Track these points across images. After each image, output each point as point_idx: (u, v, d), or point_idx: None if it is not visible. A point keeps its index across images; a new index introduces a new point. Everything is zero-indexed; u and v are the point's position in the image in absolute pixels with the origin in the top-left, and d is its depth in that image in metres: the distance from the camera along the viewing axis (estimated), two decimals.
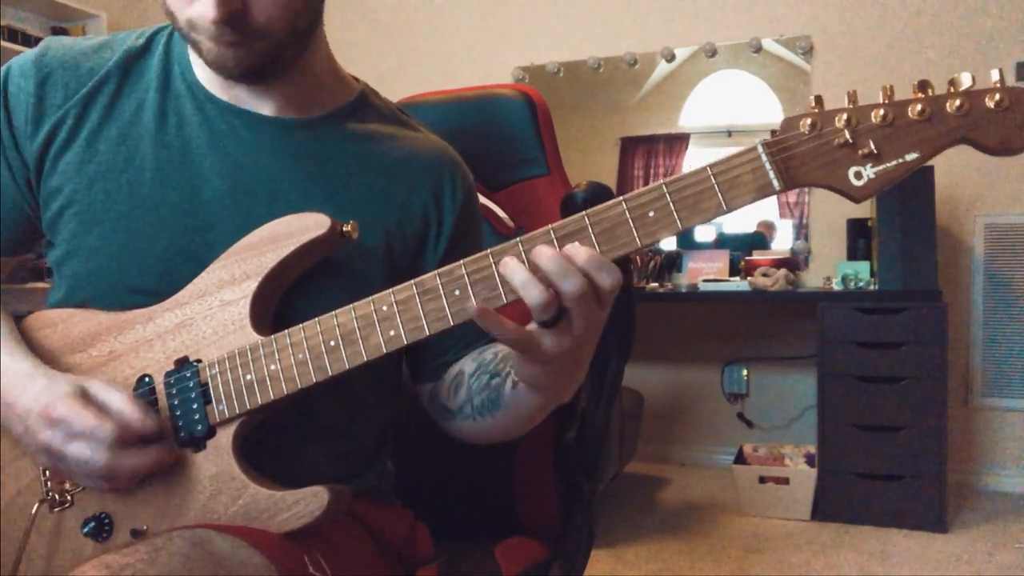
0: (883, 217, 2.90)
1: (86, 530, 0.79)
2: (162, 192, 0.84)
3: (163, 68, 0.89)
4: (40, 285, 3.30)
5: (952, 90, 0.63)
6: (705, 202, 0.66)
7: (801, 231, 3.54)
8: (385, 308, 0.73)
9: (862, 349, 2.84)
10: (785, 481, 2.95)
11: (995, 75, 0.62)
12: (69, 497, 0.80)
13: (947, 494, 2.80)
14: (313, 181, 0.87)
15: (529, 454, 1.12)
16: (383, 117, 0.96)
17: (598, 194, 1.03)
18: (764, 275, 3.20)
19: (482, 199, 1.13)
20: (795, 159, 0.65)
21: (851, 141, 0.64)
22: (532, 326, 0.68)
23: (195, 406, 0.78)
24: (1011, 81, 3.10)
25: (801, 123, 0.65)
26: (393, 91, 1.11)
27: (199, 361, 0.79)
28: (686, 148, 3.72)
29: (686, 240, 3.69)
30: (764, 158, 0.65)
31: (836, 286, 3.16)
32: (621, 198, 0.67)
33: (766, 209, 3.59)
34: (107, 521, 0.79)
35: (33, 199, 0.88)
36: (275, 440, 0.83)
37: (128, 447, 0.74)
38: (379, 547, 0.91)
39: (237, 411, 0.77)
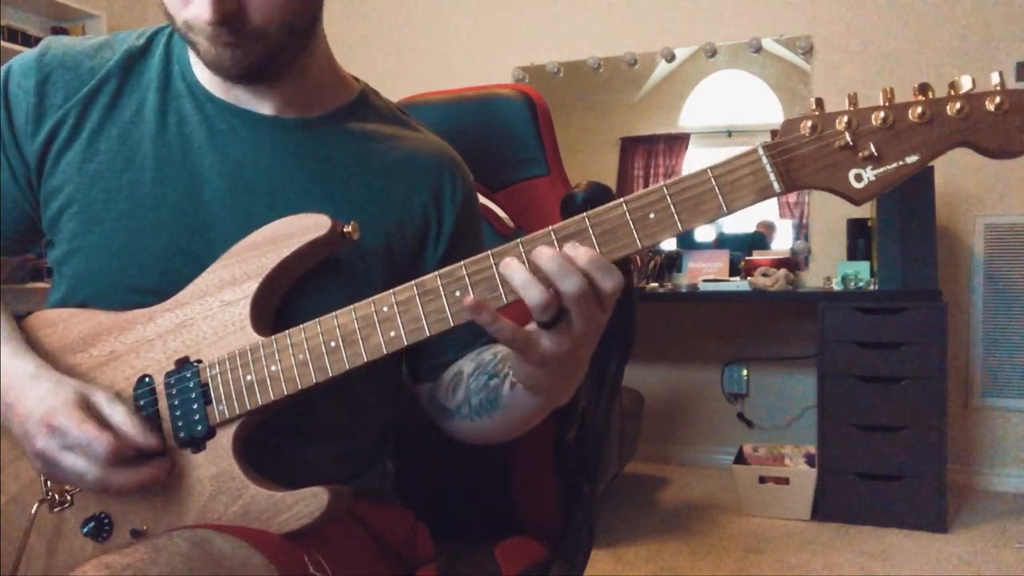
0: (883, 217, 2.90)
1: (86, 530, 0.79)
2: (162, 192, 0.84)
3: (163, 68, 0.89)
4: (40, 285, 3.30)
5: (952, 93, 0.63)
6: (706, 204, 0.66)
7: (801, 231, 3.54)
8: (386, 309, 0.73)
9: (862, 349, 2.84)
10: (785, 481, 2.95)
11: (995, 78, 0.62)
12: (69, 497, 0.80)
13: (947, 494, 2.81)
14: (313, 181, 0.87)
15: (529, 454, 1.12)
16: (383, 117, 0.96)
17: (598, 194, 1.03)
18: (764, 275, 3.20)
19: (482, 199, 1.13)
20: (796, 161, 0.65)
21: (851, 143, 0.64)
22: (531, 326, 0.68)
23: (195, 406, 0.78)
24: (1011, 81, 3.11)
25: (802, 125, 0.65)
26: (393, 91, 1.11)
27: (199, 361, 0.79)
28: (686, 148, 3.72)
29: (686, 240, 3.69)
30: (765, 160, 0.65)
31: (836, 286, 3.16)
32: (622, 200, 0.67)
33: (766, 209, 3.59)
34: (107, 521, 0.79)
35: (34, 198, 0.88)
36: (275, 441, 0.84)
37: (122, 463, 0.74)
38: (379, 547, 0.91)
39: (237, 411, 0.77)
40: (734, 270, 3.49)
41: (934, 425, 2.76)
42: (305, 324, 0.76)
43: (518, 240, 0.69)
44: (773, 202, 3.56)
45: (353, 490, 0.81)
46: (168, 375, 0.79)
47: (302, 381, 0.75)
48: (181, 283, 0.82)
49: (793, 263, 3.40)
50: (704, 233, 3.73)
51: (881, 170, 0.64)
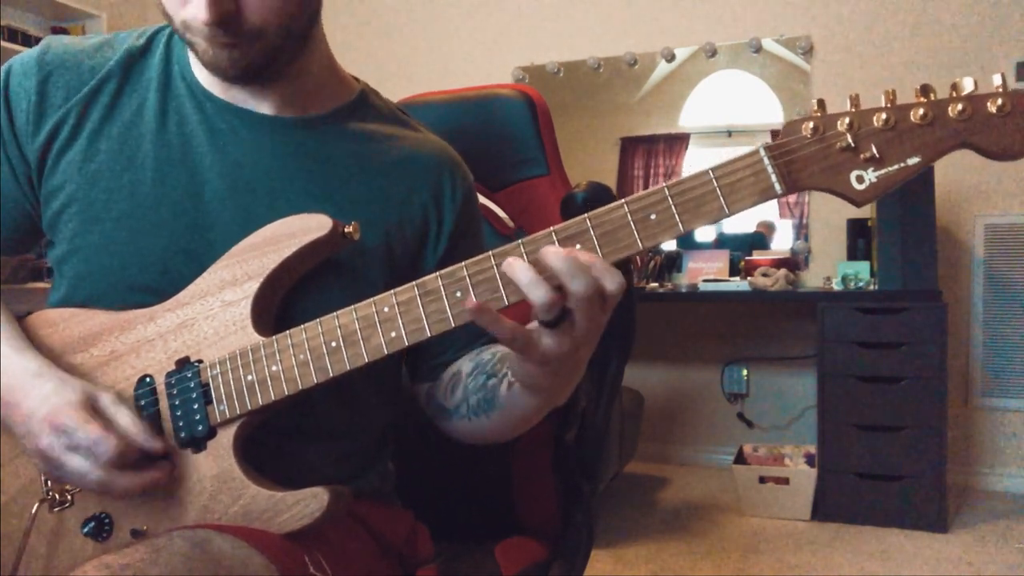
0: (883, 217, 2.90)
1: (86, 530, 0.79)
2: (163, 191, 0.84)
3: (163, 67, 0.89)
4: (40, 285, 3.30)
5: (954, 94, 0.63)
6: (707, 205, 0.66)
7: (801, 231, 3.54)
8: (387, 309, 0.73)
9: (862, 349, 2.84)
10: (785, 481, 2.95)
11: (997, 79, 0.62)
12: (69, 497, 0.80)
13: (947, 494, 2.81)
14: (313, 180, 0.87)
15: (529, 454, 1.12)
16: (383, 117, 0.96)
17: (598, 194, 1.03)
18: (764, 275, 3.20)
19: (482, 199, 1.13)
20: (797, 163, 0.65)
21: (853, 145, 0.64)
22: (532, 325, 0.68)
23: (196, 406, 0.78)
24: (1011, 81, 3.10)
25: (803, 127, 0.65)
26: (393, 91, 1.11)
27: (200, 361, 0.79)
28: (686, 148, 3.72)
29: (686, 240, 3.68)
30: (766, 161, 0.65)
31: (836, 286, 3.16)
32: (623, 201, 0.67)
33: (766, 209, 3.59)
34: (107, 521, 0.79)
35: (34, 198, 0.88)
36: (276, 441, 0.84)
37: (126, 467, 0.74)
38: (380, 548, 0.91)
39: (238, 411, 0.77)
40: (734, 270, 3.49)
41: (934, 425, 2.76)
42: (306, 324, 0.76)
43: (519, 241, 0.69)
44: (773, 202, 3.53)
45: (354, 490, 0.81)
46: (169, 375, 0.79)
47: (303, 381, 0.75)
48: (181, 282, 0.82)
49: (793, 263, 3.40)
50: (704, 233, 3.73)
51: (882, 172, 0.64)
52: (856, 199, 0.65)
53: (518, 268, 0.66)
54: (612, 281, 0.65)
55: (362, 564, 0.85)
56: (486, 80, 2.69)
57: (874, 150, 0.63)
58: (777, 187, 0.65)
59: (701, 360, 3.68)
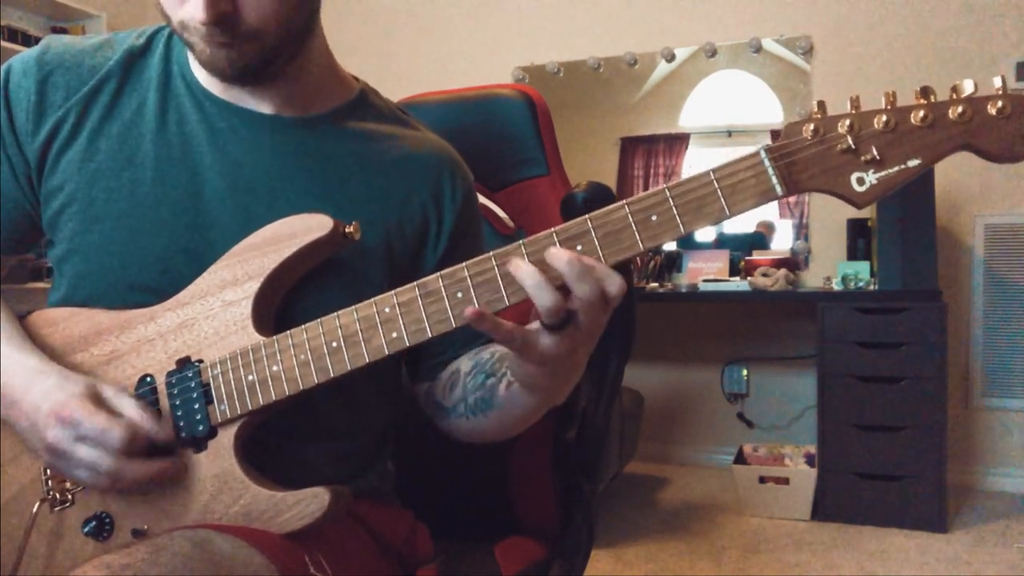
0: (883, 217, 2.90)
1: (87, 530, 0.79)
2: (163, 190, 0.84)
3: (163, 67, 0.89)
4: (40, 285, 3.30)
5: (954, 96, 0.63)
6: (708, 206, 0.66)
7: (801, 231, 3.54)
8: (387, 310, 0.73)
9: (862, 349, 2.84)
10: (785, 481, 2.95)
11: (997, 82, 0.62)
12: (70, 496, 0.80)
13: (947, 494, 2.81)
14: (313, 180, 0.87)
15: (528, 454, 1.12)
16: (383, 116, 0.96)
17: (598, 194, 1.03)
18: (764, 275, 3.20)
19: (482, 199, 1.13)
20: (798, 164, 0.65)
21: (854, 147, 0.64)
22: (532, 326, 0.68)
23: (197, 406, 0.78)
24: (1012, 81, 3.10)
25: (804, 128, 0.65)
26: (393, 91, 1.11)
27: (201, 361, 0.79)
28: (686, 148, 3.72)
29: (686, 240, 3.68)
30: (767, 163, 0.65)
31: (836, 286, 3.16)
32: (624, 202, 0.68)
33: (766, 209, 3.56)
34: (108, 521, 0.79)
35: (34, 197, 0.88)
36: (276, 440, 0.84)
37: (135, 455, 0.74)
38: (379, 547, 0.91)
39: (239, 411, 0.77)
40: (734, 270, 3.49)
41: (934, 425, 2.76)
42: (307, 324, 0.76)
43: (520, 242, 0.69)
44: (773, 202, 3.54)
45: (353, 490, 0.81)
46: (169, 375, 0.79)
47: (303, 381, 0.75)
48: (181, 282, 0.82)
49: (793, 263, 3.40)
50: (704, 233, 3.73)
51: (883, 173, 0.64)
52: (857, 201, 0.65)
53: (524, 271, 0.66)
54: (614, 284, 0.66)
55: (362, 564, 0.85)
56: (486, 80, 2.69)
57: (874, 152, 0.63)
58: (778, 189, 0.65)
59: (701, 360, 3.68)
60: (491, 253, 0.70)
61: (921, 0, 3.31)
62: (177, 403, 0.78)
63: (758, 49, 3.54)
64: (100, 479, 0.74)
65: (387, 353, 0.73)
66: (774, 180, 0.65)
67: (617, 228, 0.67)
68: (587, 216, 0.68)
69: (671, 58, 3.69)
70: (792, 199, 3.53)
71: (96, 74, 0.87)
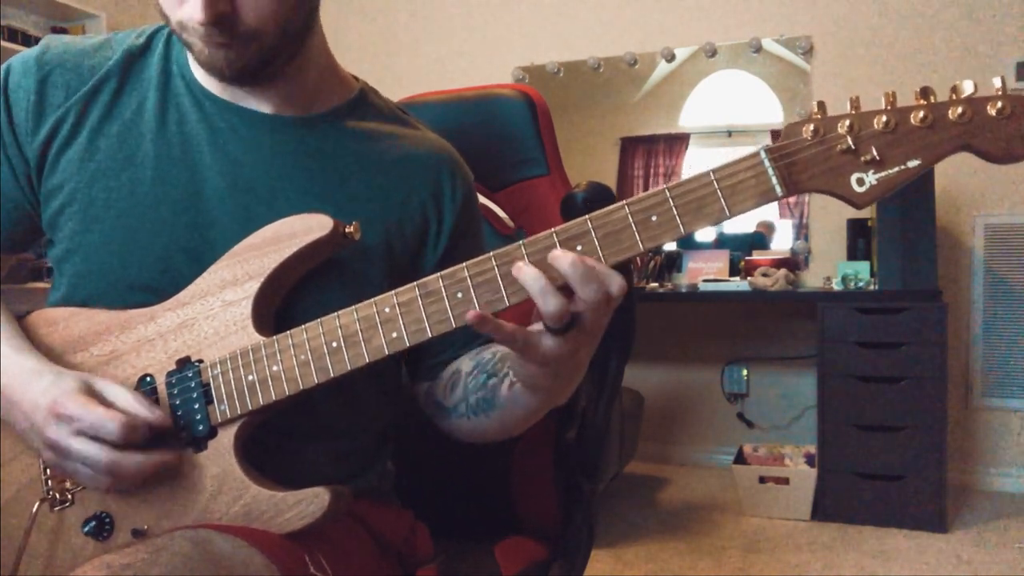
0: (883, 217, 2.90)
1: (87, 529, 0.79)
2: (163, 190, 0.84)
3: (163, 67, 0.89)
4: (40, 285, 3.30)
5: (954, 97, 0.63)
6: (708, 207, 0.66)
7: (801, 231, 3.54)
8: (387, 310, 0.73)
9: (862, 349, 2.84)
10: (785, 481, 2.95)
11: (997, 82, 0.62)
12: (70, 496, 0.80)
13: (947, 494, 2.81)
14: (312, 179, 0.87)
15: (529, 454, 1.12)
16: (382, 115, 0.96)
17: (598, 194, 1.03)
18: (764, 275, 3.20)
19: (482, 199, 1.13)
20: (797, 165, 0.65)
21: (853, 147, 0.64)
22: (535, 327, 0.68)
23: (197, 406, 0.78)
24: (1012, 81, 3.10)
25: (804, 129, 0.65)
26: (393, 91, 1.11)
27: (201, 361, 0.79)
28: (686, 148, 3.72)
29: (686, 240, 3.68)
30: (767, 163, 0.65)
31: (836, 286, 3.16)
32: (624, 202, 0.68)
33: (766, 209, 3.55)
34: (108, 520, 0.79)
35: (34, 197, 0.88)
36: (276, 440, 0.84)
37: (134, 446, 0.74)
38: (379, 547, 0.91)
39: (239, 411, 0.77)
40: (734, 270, 3.49)
41: (934, 425, 2.76)
42: (307, 324, 0.76)
43: (521, 242, 0.69)
44: (773, 202, 3.55)
45: (353, 490, 0.81)
46: (169, 375, 0.79)
47: (304, 381, 0.75)
48: (181, 281, 0.82)
49: (793, 263, 3.40)
50: (704, 233, 3.72)
51: (883, 174, 0.64)
52: (856, 201, 0.65)
53: (528, 275, 0.66)
54: (615, 284, 0.66)
55: (362, 564, 0.85)
56: (486, 80, 2.69)
57: (874, 152, 0.63)
58: (778, 189, 0.65)
59: (701, 360, 3.68)
60: (491, 253, 0.70)
61: (921, 0, 3.31)
62: (177, 403, 0.78)
63: (758, 49, 3.54)
64: (100, 474, 0.74)
65: (387, 353, 0.73)
66: (774, 180, 0.65)
67: (617, 228, 0.67)
68: (587, 216, 0.68)
69: (671, 58, 3.69)
70: (792, 199, 3.53)
71: (96, 74, 0.87)
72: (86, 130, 0.86)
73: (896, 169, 0.63)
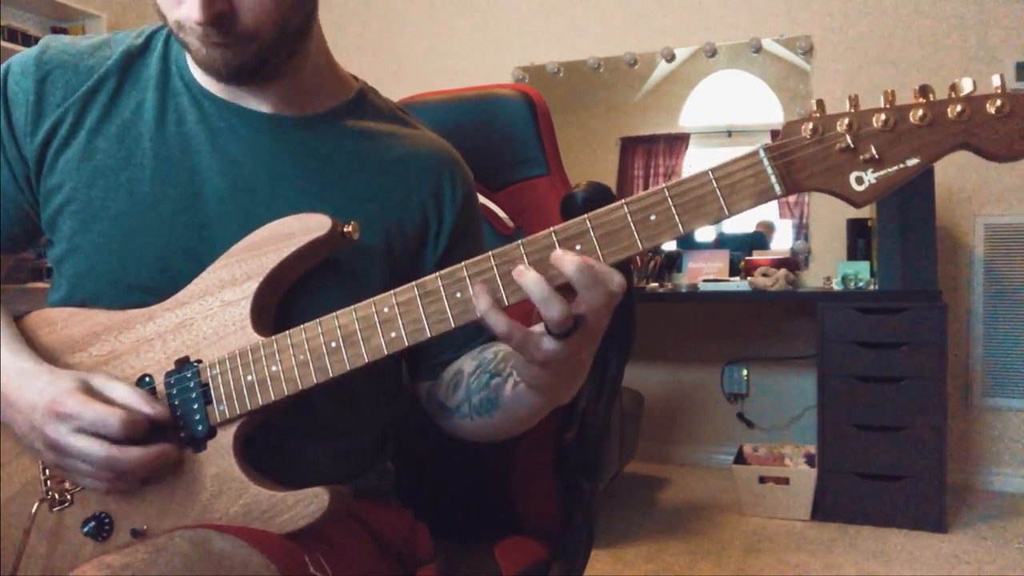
0: (883, 217, 2.90)
1: (86, 530, 0.79)
2: (162, 189, 0.84)
3: (162, 67, 0.89)
4: (40, 285, 3.30)
5: (953, 95, 0.63)
6: (707, 206, 0.66)
7: (801, 231, 3.54)
8: (386, 310, 0.73)
9: (862, 349, 2.84)
10: (785, 481, 2.95)
11: (996, 80, 0.62)
12: (69, 496, 0.80)
13: (947, 494, 2.81)
14: (312, 179, 0.87)
15: (529, 454, 1.12)
16: (382, 115, 0.96)
17: (598, 194, 1.02)
18: (764, 275, 3.20)
19: (482, 199, 1.13)
20: (797, 164, 0.65)
21: (852, 146, 0.64)
22: (537, 327, 0.68)
23: (196, 406, 0.78)
24: (1011, 82, 3.10)
25: (803, 127, 0.65)
26: (393, 91, 1.11)
27: (200, 361, 0.79)
28: (686, 148, 3.72)
29: (686, 240, 3.68)
30: (766, 163, 0.65)
31: (836, 286, 3.16)
32: (623, 201, 0.67)
33: (766, 209, 3.59)
34: (107, 521, 0.79)
35: (32, 197, 0.88)
36: (275, 440, 0.84)
37: (136, 440, 0.74)
38: (379, 547, 0.91)
39: (238, 411, 0.77)
40: (734, 270, 3.49)
41: (934, 425, 2.76)
42: (306, 324, 0.76)
43: (520, 242, 0.69)
44: (773, 202, 3.54)
45: (353, 489, 0.81)
46: (168, 375, 0.79)
47: (303, 381, 0.75)
48: (181, 281, 0.82)
49: (793, 263, 3.40)
50: (704, 233, 3.73)
51: (882, 173, 0.64)
52: (855, 200, 0.65)
53: (531, 280, 0.66)
54: (615, 282, 0.66)
55: (362, 564, 0.85)
56: (486, 80, 2.70)
57: (873, 151, 0.63)
58: (777, 188, 0.65)
59: (701, 360, 3.68)
60: (490, 253, 0.69)
61: (921, 0, 3.31)
62: (176, 403, 0.78)
63: (758, 49, 3.54)
64: (100, 469, 0.74)
65: (386, 353, 0.73)
66: (773, 179, 0.65)
67: (616, 228, 0.67)
68: (586, 216, 0.68)
69: (671, 58, 3.69)
70: (792, 199, 3.53)
71: (94, 74, 0.87)
72: (85, 130, 0.86)
73: (895, 168, 0.63)
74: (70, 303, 0.86)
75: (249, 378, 0.77)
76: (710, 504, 3.16)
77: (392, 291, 0.73)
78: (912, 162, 0.63)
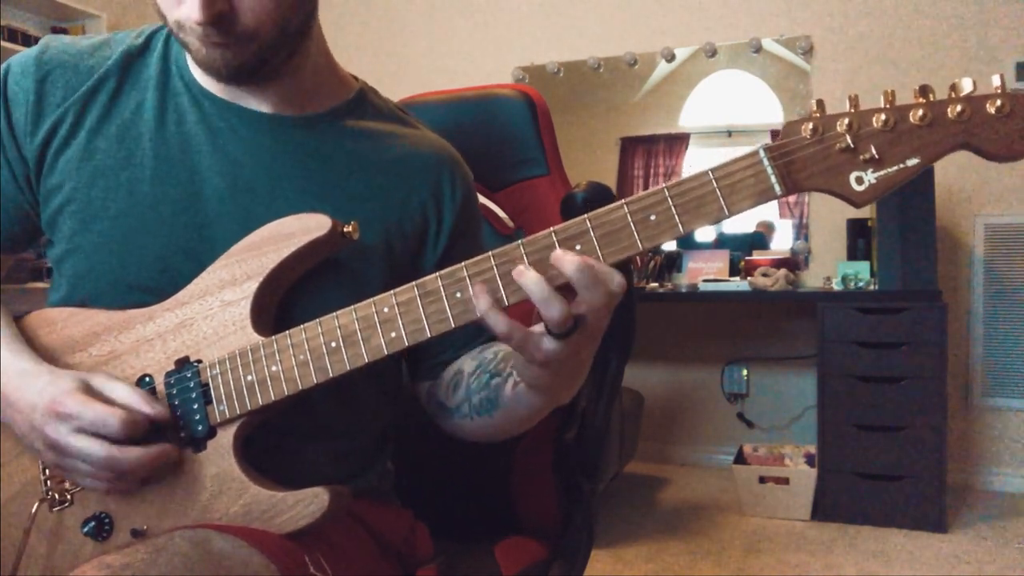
0: (883, 217, 2.90)
1: (86, 530, 0.79)
2: (162, 189, 0.84)
3: (162, 66, 0.89)
4: (40, 285, 3.30)
5: (953, 95, 0.63)
6: (707, 206, 0.66)
7: (801, 231, 3.54)
8: (386, 310, 0.73)
9: (862, 349, 2.84)
10: (785, 481, 2.95)
11: (996, 80, 0.62)
12: (69, 496, 0.80)
13: (947, 494, 2.81)
14: (312, 179, 0.87)
15: (529, 453, 1.12)
16: (382, 115, 0.96)
17: (598, 194, 1.02)
18: (764, 275, 3.20)
19: (482, 199, 1.13)
20: (797, 164, 0.65)
21: (852, 146, 0.64)
22: (537, 327, 0.68)
23: (196, 406, 0.78)
24: (1011, 82, 3.10)
25: (803, 127, 0.65)
26: (393, 91, 1.11)
27: (200, 361, 0.79)
28: (686, 148, 3.72)
29: (686, 240, 3.68)
30: (766, 162, 0.65)
31: (836, 286, 3.16)
32: (623, 201, 0.67)
33: (766, 209, 3.59)
34: (107, 521, 0.79)
35: (32, 197, 0.88)
36: (275, 440, 0.84)
37: (136, 440, 0.74)
38: (379, 547, 0.91)
39: (238, 412, 0.77)
40: (734, 270, 3.49)
41: (934, 425, 2.76)
42: (305, 324, 0.76)
43: (519, 241, 0.69)
44: (773, 202, 3.53)
45: (353, 489, 0.81)
46: (168, 375, 0.79)
47: (303, 381, 0.75)
48: (181, 281, 0.82)
49: (793, 263, 3.40)
50: (704, 233, 3.73)
51: (882, 173, 0.64)
52: (855, 200, 0.65)
53: (531, 280, 0.66)
54: (614, 281, 0.66)
55: (362, 564, 0.85)
56: (486, 80, 2.70)
57: (873, 151, 0.63)
58: (777, 188, 0.65)
59: (701, 360, 3.68)
60: (490, 253, 0.69)
61: (922, 1, 3.31)
62: (176, 403, 0.78)
63: (758, 49, 3.54)
64: (100, 470, 0.74)
65: (386, 353, 0.73)
66: (773, 179, 0.65)
67: (616, 228, 0.67)
68: (586, 216, 0.68)
69: (671, 58, 3.69)
70: (792, 199, 3.53)
71: (94, 74, 0.87)
72: (85, 130, 0.86)
73: (895, 168, 0.63)
74: (70, 303, 0.86)
75: (249, 378, 0.77)
76: (710, 504, 3.16)
77: (392, 291, 0.73)
78: (912, 162, 0.63)
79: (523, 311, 0.69)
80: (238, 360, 0.77)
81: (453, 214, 0.93)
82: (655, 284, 3.47)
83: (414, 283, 0.72)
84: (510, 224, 1.24)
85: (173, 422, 0.78)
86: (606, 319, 0.68)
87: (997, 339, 3.24)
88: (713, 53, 3.62)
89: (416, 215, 0.91)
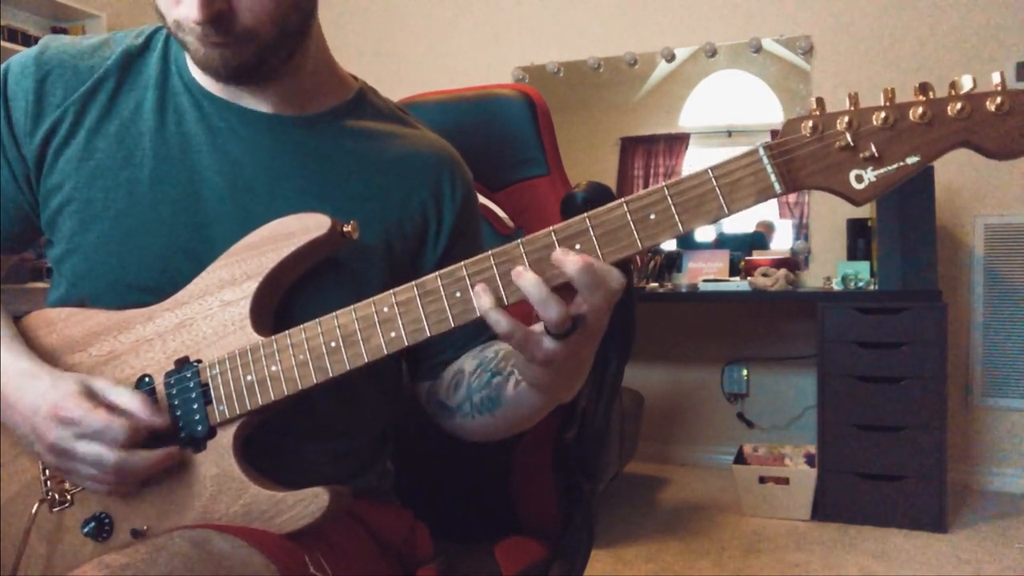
0: (883, 217, 2.90)
1: (86, 530, 0.79)
2: (161, 189, 0.84)
3: (161, 66, 0.89)
4: (40, 285, 3.30)
5: (953, 93, 0.62)
6: (706, 205, 0.66)
7: (801, 231, 3.54)
8: (386, 309, 0.73)
9: (862, 349, 2.84)
10: (785, 481, 2.95)
11: (996, 78, 0.62)
12: (69, 497, 0.80)
13: (947, 494, 2.81)
14: (312, 179, 0.87)
15: (529, 453, 1.12)
16: (382, 115, 0.96)
17: (598, 194, 1.03)
18: (764, 275, 3.20)
19: (482, 199, 1.13)
20: (796, 162, 0.65)
21: (852, 144, 0.64)
22: (537, 327, 0.68)
23: (195, 406, 0.78)
24: (1011, 81, 3.10)
25: (802, 125, 0.65)
26: (393, 91, 1.11)
27: (199, 361, 0.79)
28: (686, 148, 3.72)
29: (686, 240, 3.68)
30: (765, 161, 0.65)
31: (836, 286, 3.16)
32: (622, 200, 0.67)
33: (766, 209, 3.59)
34: (107, 521, 0.79)
35: (32, 197, 0.88)
36: (275, 440, 0.84)
37: (137, 445, 0.74)
38: (379, 547, 0.91)
39: (238, 412, 0.77)
40: (734, 270, 3.49)
41: (934, 425, 2.76)
42: (305, 324, 0.76)
43: (519, 241, 0.69)
44: (773, 202, 3.54)
45: (353, 489, 0.81)
46: (168, 375, 0.79)
47: (302, 381, 0.75)
48: (180, 281, 0.82)
49: (793, 263, 3.40)
50: (704, 233, 3.73)
51: (882, 171, 0.63)
52: (855, 198, 0.65)
53: (529, 282, 0.66)
54: (615, 280, 0.66)
55: (362, 564, 0.85)
56: (486, 80, 2.69)
57: (873, 149, 0.63)
58: (776, 186, 0.65)
59: (701, 360, 3.68)
60: (490, 252, 0.69)
61: (921, 0, 3.31)
62: (176, 403, 0.78)
63: (758, 49, 3.54)
64: (105, 475, 0.74)
65: (386, 353, 0.73)
66: (773, 178, 0.65)
67: (615, 227, 0.67)
68: (585, 215, 0.68)
69: (671, 58, 3.69)
70: (792, 198, 3.53)
71: (94, 73, 0.87)
72: (84, 130, 0.86)
73: (895, 166, 0.63)
74: (70, 303, 0.86)
75: (249, 378, 0.76)
76: (710, 504, 3.16)
77: (392, 291, 0.73)
78: (912, 160, 0.63)
79: (523, 311, 0.69)
80: (238, 360, 0.77)
81: (453, 214, 0.93)
82: (655, 284, 3.47)
83: (414, 283, 0.72)
84: (510, 224, 1.24)
85: (173, 423, 0.78)
86: (606, 318, 0.68)
87: (997, 339, 3.24)
88: (713, 53, 3.62)
89: (416, 215, 0.91)
